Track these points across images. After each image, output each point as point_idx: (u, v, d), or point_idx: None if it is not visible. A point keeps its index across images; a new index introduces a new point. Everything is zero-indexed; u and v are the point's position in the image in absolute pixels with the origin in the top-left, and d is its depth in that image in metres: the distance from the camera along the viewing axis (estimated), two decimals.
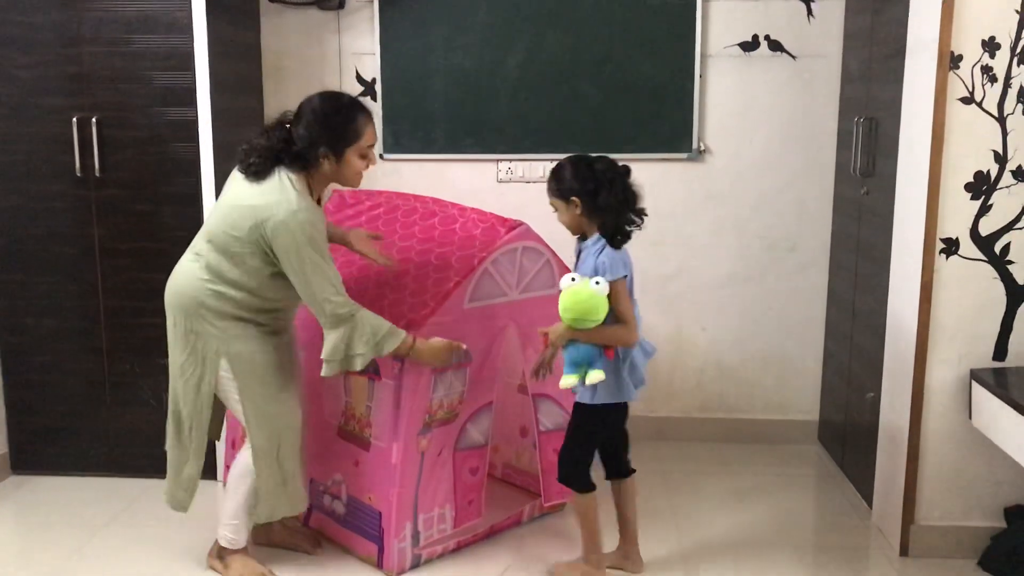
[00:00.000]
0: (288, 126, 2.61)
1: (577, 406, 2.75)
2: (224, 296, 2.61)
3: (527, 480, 3.39)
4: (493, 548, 3.09)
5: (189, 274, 2.66)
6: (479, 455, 3.01)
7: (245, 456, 2.75)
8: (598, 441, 2.81)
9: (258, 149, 2.59)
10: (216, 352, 2.64)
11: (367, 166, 2.66)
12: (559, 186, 2.66)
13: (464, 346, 2.77)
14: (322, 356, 2.60)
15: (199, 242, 2.68)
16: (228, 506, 2.83)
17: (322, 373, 2.62)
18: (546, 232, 3.13)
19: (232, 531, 2.85)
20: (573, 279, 2.59)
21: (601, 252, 2.62)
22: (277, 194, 2.53)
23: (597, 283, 2.56)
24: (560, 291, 2.62)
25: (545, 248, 3.01)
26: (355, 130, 2.58)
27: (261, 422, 2.70)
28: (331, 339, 2.59)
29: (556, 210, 2.71)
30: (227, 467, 3.09)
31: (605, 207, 2.62)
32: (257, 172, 2.57)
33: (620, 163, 2.69)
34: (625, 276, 2.64)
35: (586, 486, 2.77)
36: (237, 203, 2.58)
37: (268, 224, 2.51)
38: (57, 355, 3.55)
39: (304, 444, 2.86)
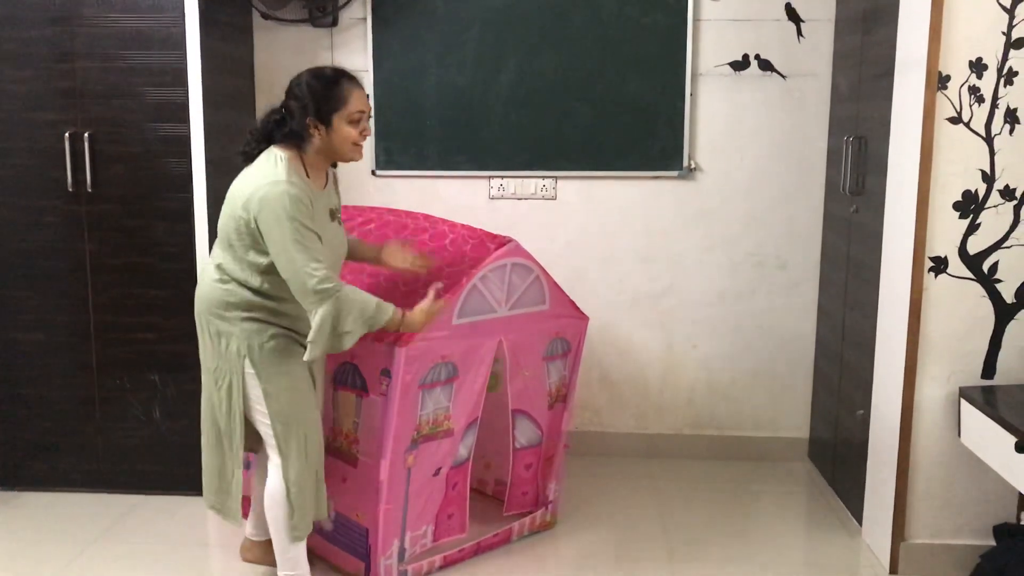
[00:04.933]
0: (281, 107, 2.61)
1: None
2: (236, 295, 2.57)
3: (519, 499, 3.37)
4: (480, 566, 3.07)
5: (207, 277, 2.64)
6: (461, 471, 3.01)
7: (275, 480, 2.67)
8: None
9: (251, 132, 2.63)
10: (239, 352, 2.58)
11: (361, 135, 2.60)
12: None
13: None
14: (308, 339, 2.48)
15: (215, 246, 2.66)
16: (277, 542, 2.73)
17: (305, 357, 2.52)
18: (538, 248, 3.14)
19: (291, 567, 2.75)
20: None
21: None
22: (263, 170, 2.52)
23: None
24: None
25: (535, 265, 3.02)
26: (340, 96, 2.55)
27: (289, 421, 2.61)
28: (316, 318, 2.45)
29: None
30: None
31: None
32: (249, 155, 2.59)
33: None
34: None
35: None
36: (231, 191, 2.57)
37: (253, 200, 2.47)
38: (47, 370, 3.54)
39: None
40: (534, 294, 3.05)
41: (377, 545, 2.82)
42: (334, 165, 2.76)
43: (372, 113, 2.63)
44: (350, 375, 2.87)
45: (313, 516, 2.75)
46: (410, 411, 2.77)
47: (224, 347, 2.61)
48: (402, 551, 2.88)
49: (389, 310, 2.55)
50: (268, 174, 2.50)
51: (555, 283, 3.10)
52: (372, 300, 2.53)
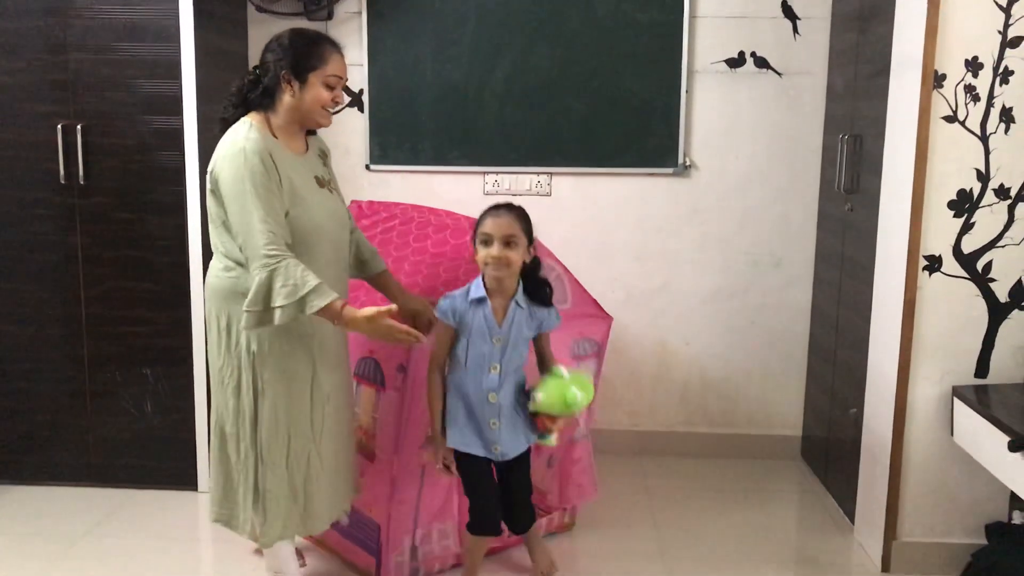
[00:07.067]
0: (256, 68, 2.54)
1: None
2: (244, 284, 2.43)
3: (536, 497, 3.14)
4: (495, 566, 3.02)
5: (213, 268, 2.56)
6: None
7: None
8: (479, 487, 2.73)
9: (228, 97, 2.55)
10: (248, 346, 2.47)
11: (332, 101, 2.50)
12: (526, 225, 2.60)
13: (410, 330, 2.45)
14: (244, 305, 2.35)
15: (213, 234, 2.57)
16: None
17: (241, 325, 2.37)
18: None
19: (275, 565, 2.68)
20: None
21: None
22: (226, 138, 2.45)
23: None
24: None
25: (555, 262, 2.96)
26: (320, 54, 2.47)
27: (274, 423, 2.49)
28: (253, 284, 2.32)
29: (511, 245, 2.55)
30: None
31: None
32: (227, 120, 2.52)
33: None
34: None
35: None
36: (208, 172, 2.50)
37: (216, 166, 2.41)
38: (38, 363, 3.52)
39: (344, 464, 2.69)
40: (557, 292, 2.92)
41: (387, 542, 2.78)
42: (311, 133, 2.66)
43: (348, 81, 2.55)
44: (371, 369, 2.83)
45: (296, 530, 2.60)
46: (425, 408, 2.70)
47: (234, 341, 2.50)
48: (414, 548, 2.83)
49: (327, 297, 2.32)
50: (230, 137, 2.45)
51: (577, 281, 3.04)
52: (312, 281, 2.32)
